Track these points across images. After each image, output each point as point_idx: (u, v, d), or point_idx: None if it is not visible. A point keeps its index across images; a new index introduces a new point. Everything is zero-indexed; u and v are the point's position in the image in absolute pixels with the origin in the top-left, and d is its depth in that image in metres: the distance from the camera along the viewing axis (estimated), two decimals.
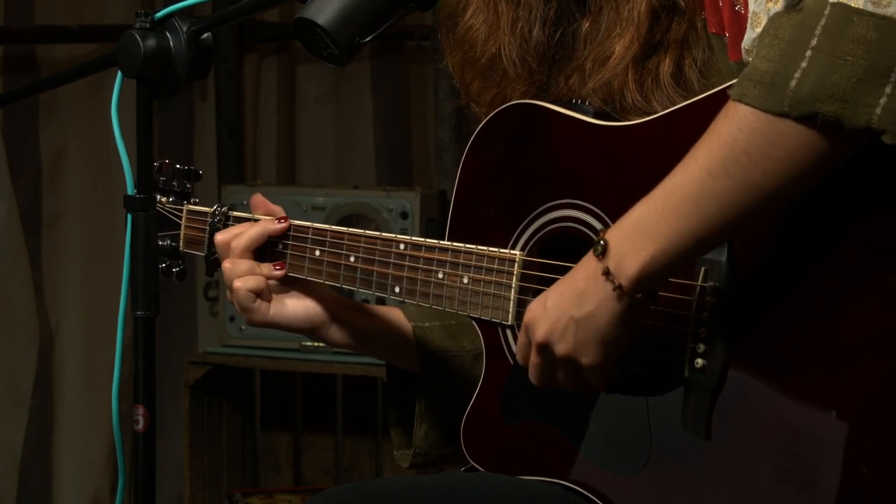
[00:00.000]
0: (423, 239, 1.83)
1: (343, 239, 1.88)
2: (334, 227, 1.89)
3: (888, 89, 1.39)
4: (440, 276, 1.80)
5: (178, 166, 2.05)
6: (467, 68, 1.90)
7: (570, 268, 1.62)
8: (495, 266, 1.76)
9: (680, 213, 1.50)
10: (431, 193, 3.80)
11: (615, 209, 1.61)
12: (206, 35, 1.69)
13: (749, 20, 1.54)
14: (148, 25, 1.68)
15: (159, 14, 1.68)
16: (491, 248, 1.77)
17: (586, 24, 1.81)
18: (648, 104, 1.72)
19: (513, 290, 1.75)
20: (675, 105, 1.67)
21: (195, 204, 2.04)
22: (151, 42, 1.67)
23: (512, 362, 1.79)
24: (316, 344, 3.73)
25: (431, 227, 3.71)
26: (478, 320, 1.80)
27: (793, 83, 1.42)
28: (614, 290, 1.54)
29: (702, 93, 1.63)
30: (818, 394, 1.51)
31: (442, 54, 1.96)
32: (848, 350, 1.49)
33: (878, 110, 1.40)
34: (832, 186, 1.49)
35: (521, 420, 1.78)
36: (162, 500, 3.04)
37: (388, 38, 4.19)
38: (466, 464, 1.85)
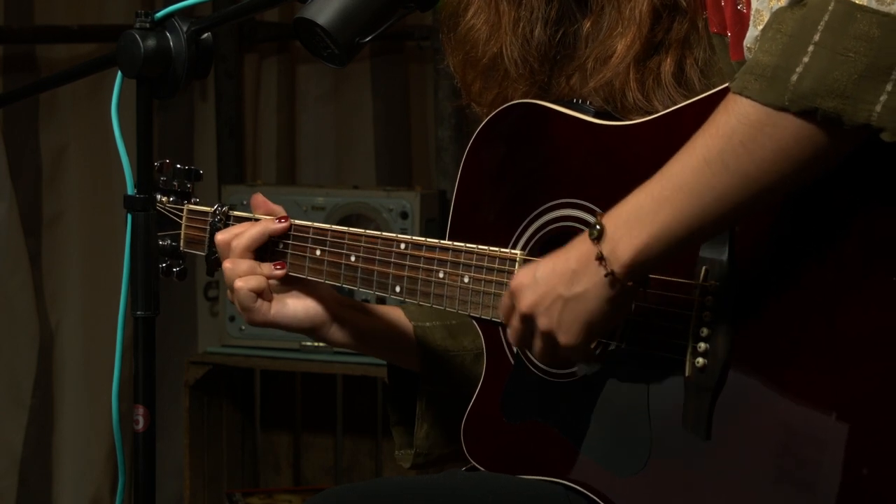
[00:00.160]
0: (423, 238, 1.83)
1: (344, 238, 1.88)
2: (335, 227, 1.89)
3: (889, 87, 1.39)
4: (441, 275, 1.80)
5: (178, 166, 2.05)
6: (468, 68, 1.90)
7: None
8: (496, 265, 1.76)
9: (675, 202, 1.50)
10: (431, 193, 3.80)
11: None
12: (206, 35, 1.69)
13: (752, 18, 1.54)
14: (148, 25, 1.68)
15: (159, 14, 1.68)
16: (492, 248, 1.77)
17: (587, 24, 1.81)
18: (650, 104, 1.72)
19: None
20: (676, 104, 1.67)
21: (196, 204, 2.04)
22: (151, 42, 1.67)
23: (513, 362, 1.79)
24: (316, 344, 3.73)
25: (431, 227, 3.71)
26: (478, 320, 1.80)
27: (794, 78, 1.42)
28: (606, 275, 1.55)
29: (703, 92, 1.63)
30: (818, 393, 1.51)
31: (443, 54, 1.96)
32: (848, 350, 1.49)
33: (878, 108, 1.40)
34: (832, 185, 1.49)
35: (522, 419, 1.78)
36: (162, 500, 3.04)
37: (388, 38, 4.19)
38: (467, 463, 1.85)
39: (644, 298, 1.64)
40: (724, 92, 1.52)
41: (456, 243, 1.79)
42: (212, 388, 3.95)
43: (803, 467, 1.51)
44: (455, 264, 1.79)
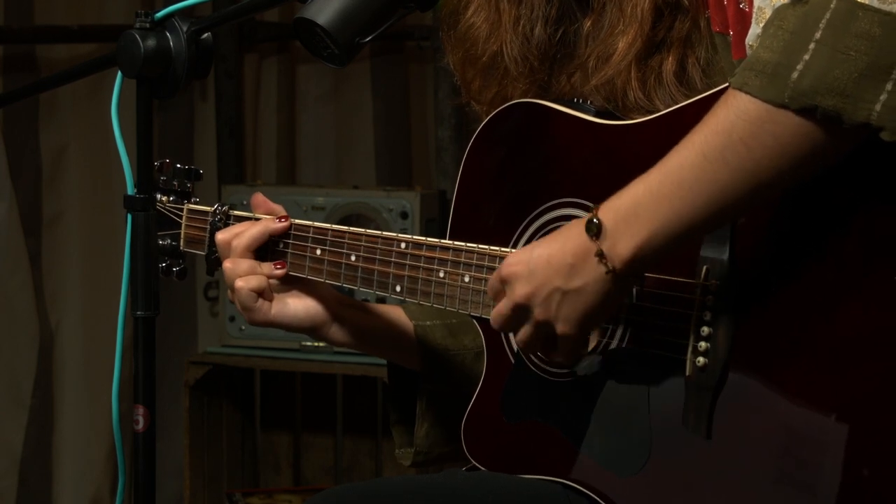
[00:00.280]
0: (424, 238, 1.83)
1: (344, 238, 1.88)
2: (335, 226, 1.89)
3: (889, 86, 1.39)
4: (441, 274, 1.80)
5: (178, 166, 2.05)
6: (468, 66, 1.90)
7: None
8: (496, 265, 1.76)
9: (674, 197, 1.50)
10: (431, 193, 3.80)
11: None
12: (206, 35, 1.69)
13: (754, 15, 1.54)
14: (148, 25, 1.68)
15: (159, 14, 1.68)
16: (492, 247, 1.77)
17: (588, 23, 1.81)
18: (651, 103, 1.72)
19: None
20: (677, 103, 1.67)
21: (196, 203, 2.04)
22: (151, 42, 1.67)
23: (513, 361, 1.79)
24: (316, 344, 3.73)
25: (431, 227, 3.71)
26: (479, 319, 1.80)
27: (794, 75, 1.42)
28: (607, 272, 1.55)
29: (704, 92, 1.63)
30: (819, 393, 1.51)
31: (443, 53, 1.96)
32: (848, 349, 1.49)
33: (878, 107, 1.40)
34: (833, 184, 1.49)
35: (522, 419, 1.78)
36: (162, 500, 3.04)
37: (388, 38, 4.19)
38: (467, 462, 1.85)
39: (645, 298, 1.64)
40: (725, 91, 1.52)
41: (456, 243, 1.79)
42: (212, 388, 3.95)
43: (803, 467, 1.51)
44: (455, 264, 1.79)
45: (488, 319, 1.78)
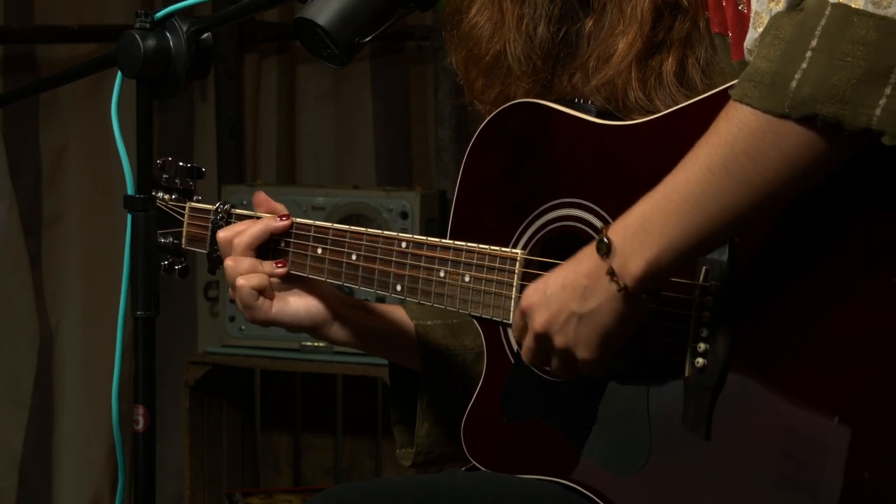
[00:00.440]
0: (424, 237, 1.83)
1: (345, 237, 1.88)
2: (336, 225, 1.89)
3: (888, 90, 1.39)
4: (442, 274, 1.80)
5: (180, 164, 2.05)
6: (471, 65, 1.90)
7: None
8: (497, 265, 1.76)
9: (682, 213, 1.50)
10: (431, 193, 3.80)
11: (617, 209, 1.61)
12: (206, 35, 1.69)
13: (751, 20, 1.54)
14: (148, 25, 1.68)
15: (159, 14, 1.68)
16: (492, 247, 1.77)
17: (590, 23, 1.81)
18: (651, 103, 1.72)
19: (514, 289, 1.75)
20: (677, 104, 1.67)
21: (198, 201, 2.04)
22: (151, 42, 1.67)
23: (513, 361, 1.79)
24: (316, 344, 3.73)
25: (431, 227, 3.71)
26: (479, 319, 1.80)
27: (793, 84, 1.42)
28: (619, 290, 1.55)
29: (704, 92, 1.63)
30: (818, 394, 1.50)
31: (444, 53, 1.96)
32: (848, 350, 1.49)
33: (878, 111, 1.40)
34: (832, 187, 1.49)
35: (522, 419, 1.78)
36: (162, 500, 3.04)
37: (388, 38, 4.19)
38: (468, 462, 1.85)
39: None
40: (726, 92, 1.52)
41: (457, 242, 1.79)
42: (212, 388, 3.95)
43: (803, 468, 1.51)
44: (456, 263, 1.79)
45: (488, 319, 1.78)
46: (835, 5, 1.41)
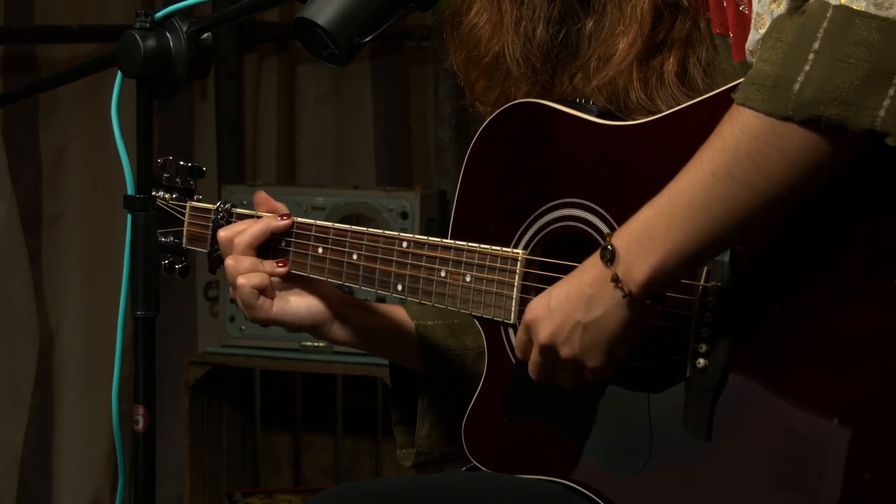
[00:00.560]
0: (425, 237, 1.83)
1: (346, 236, 1.88)
2: (337, 225, 1.89)
3: (891, 91, 1.39)
4: (442, 274, 1.80)
5: (181, 163, 2.05)
6: (471, 67, 1.90)
7: (573, 267, 1.62)
8: (498, 265, 1.76)
9: (686, 218, 1.50)
10: (431, 193, 3.80)
11: (618, 209, 1.61)
12: (206, 35, 1.69)
13: (752, 21, 1.54)
14: (148, 25, 1.68)
15: (159, 14, 1.68)
16: (493, 247, 1.77)
17: (590, 24, 1.80)
18: (653, 103, 1.72)
19: (515, 289, 1.75)
20: (679, 104, 1.67)
21: (198, 200, 2.04)
22: (151, 42, 1.67)
23: (514, 361, 1.79)
24: (316, 344, 3.73)
25: (431, 228, 3.71)
26: (480, 319, 1.79)
27: (796, 87, 1.42)
28: (624, 297, 1.54)
29: (706, 92, 1.63)
30: (819, 395, 1.50)
31: (445, 54, 1.96)
32: (849, 351, 1.49)
33: (882, 112, 1.39)
34: (835, 188, 1.49)
35: (523, 419, 1.78)
36: (162, 500, 3.04)
37: (388, 38, 4.19)
38: (468, 463, 1.85)
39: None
40: (727, 93, 1.52)
41: (458, 242, 1.79)
42: (212, 388, 3.95)
43: (804, 469, 1.51)
44: (457, 263, 1.79)
45: (489, 319, 1.78)
46: (836, 7, 1.41)
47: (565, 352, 1.60)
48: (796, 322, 1.52)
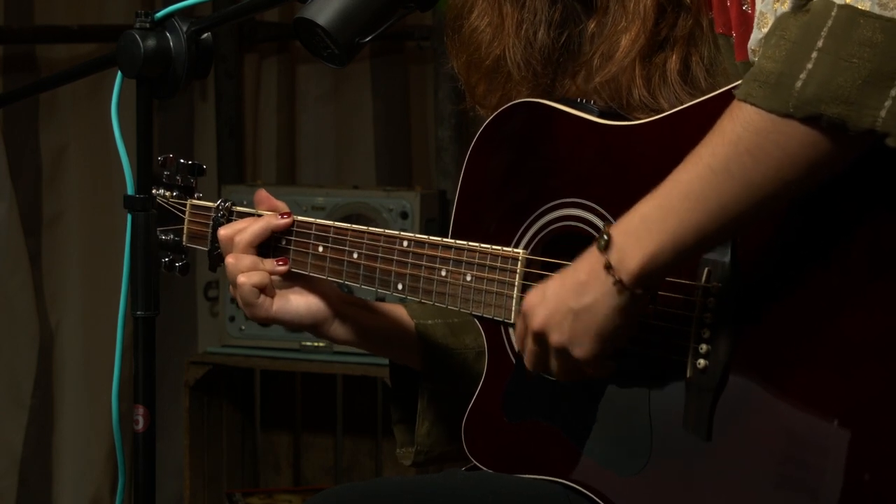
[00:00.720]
0: (426, 236, 1.83)
1: (346, 235, 1.88)
2: (337, 224, 1.89)
3: (893, 92, 1.39)
4: (443, 273, 1.80)
5: (181, 160, 2.05)
6: (472, 70, 1.90)
7: None
8: (498, 264, 1.76)
9: (682, 210, 1.50)
10: (431, 193, 3.80)
11: (619, 209, 1.61)
12: (206, 35, 1.70)
13: (756, 20, 1.54)
14: (148, 25, 1.68)
15: (159, 14, 1.68)
16: (494, 246, 1.77)
17: (592, 25, 1.80)
18: (656, 101, 1.72)
19: (515, 289, 1.75)
20: (682, 102, 1.67)
21: (199, 199, 2.04)
22: (151, 42, 1.67)
23: (514, 360, 1.79)
24: (316, 344, 3.73)
25: (431, 228, 3.71)
26: (480, 318, 1.80)
27: (798, 84, 1.42)
28: (615, 283, 1.55)
29: (708, 91, 1.63)
30: (820, 396, 1.50)
31: (445, 57, 1.96)
32: (850, 353, 1.49)
33: (883, 113, 1.39)
34: (837, 189, 1.49)
35: (523, 419, 1.78)
36: (162, 500, 3.04)
37: (388, 38, 4.19)
38: (468, 461, 1.85)
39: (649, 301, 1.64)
40: (729, 93, 1.52)
41: (458, 241, 1.79)
42: (212, 388, 3.95)
43: (804, 470, 1.51)
44: (457, 262, 1.79)
45: (490, 319, 1.78)
46: (841, 7, 1.41)
47: (555, 338, 1.61)
48: (797, 323, 1.52)
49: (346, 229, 1.88)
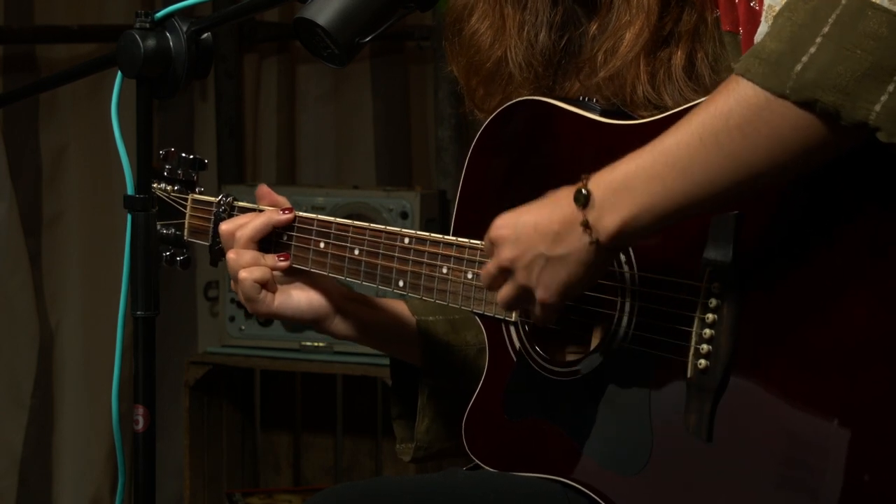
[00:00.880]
0: (427, 234, 1.83)
1: (348, 231, 1.88)
2: (339, 220, 1.89)
3: (890, 87, 1.39)
4: (444, 270, 1.80)
5: (183, 155, 2.05)
6: (472, 73, 1.90)
7: None
8: None
9: (666, 177, 1.50)
10: (431, 193, 3.80)
11: None
12: (206, 35, 1.70)
13: (763, 13, 1.54)
14: (148, 25, 1.68)
15: (159, 14, 1.69)
16: None
17: (593, 27, 1.80)
18: (660, 98, 1.72)
19: None
20: (686, 99, 1.67)
21: (200, 193, 2.04)
22: (151, 42, 1.67)
23: (515, 359, 1.79)
24: (316, 344, 3.73)
25: (431, 228, 3.70)
26: (481, 315, 1.80)
27: (798, 67, 1.42)
28: (591, 243, 1.55)
29: (712, 88, 1.62)
30: (821, 397, 1.50)
31: (445, 59, 1.96)
32: (852, 354, 1.48)
33: (878, 107, 1.39)
34: (838, 188, 1.49)
35: (524, 416, 1.78)
36: (162, 500, 3.04)
37: (388, 38, 4.19)
38: (467, 458, 1.85)
39: (647, 299, 1.64)
40: None
41: (459, 239, 1.80)
42: (212, 388, 3.95)
43: (805, 470, 1.51)
44: (458, 260, 1.79)
45: (490, 316, 1.78)
46: None
47: (521, 277, 1.61)
48: (799, 324, 1.52)
49: (348, 226, 1.88)
